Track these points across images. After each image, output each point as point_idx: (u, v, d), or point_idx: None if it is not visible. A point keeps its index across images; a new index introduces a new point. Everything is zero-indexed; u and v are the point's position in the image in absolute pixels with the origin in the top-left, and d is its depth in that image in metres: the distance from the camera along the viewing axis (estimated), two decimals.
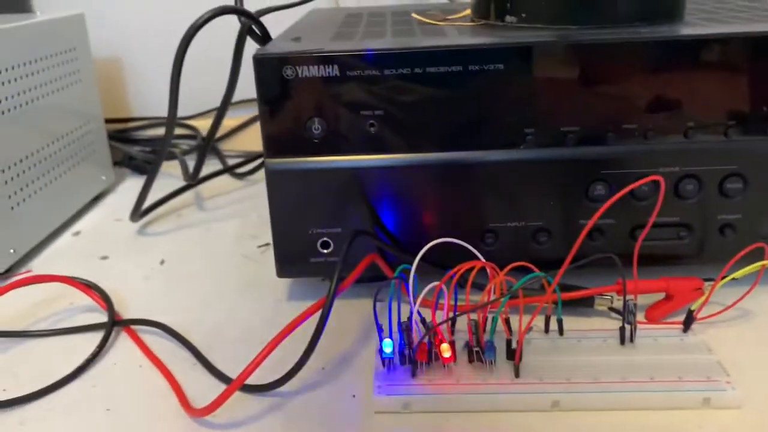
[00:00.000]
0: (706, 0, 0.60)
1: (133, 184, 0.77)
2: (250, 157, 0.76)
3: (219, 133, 0.82)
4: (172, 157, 0.79)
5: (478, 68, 0.42)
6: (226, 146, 0.84)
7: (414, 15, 0.56)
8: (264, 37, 0.55)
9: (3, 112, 0.55)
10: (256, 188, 0.74)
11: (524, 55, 0.42)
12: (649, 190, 0.44)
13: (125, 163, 0.79)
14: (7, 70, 0.56)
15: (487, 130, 0.44)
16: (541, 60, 0.42)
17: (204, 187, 0.74)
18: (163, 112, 0.85)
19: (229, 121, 0.84)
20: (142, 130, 0.84)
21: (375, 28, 0.52)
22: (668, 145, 0.44)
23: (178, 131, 0.84)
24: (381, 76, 0.43)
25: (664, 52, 0.42)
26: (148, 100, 0.85)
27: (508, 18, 0.49)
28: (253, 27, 0.54)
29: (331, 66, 0.42)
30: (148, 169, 0.79)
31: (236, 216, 0.66)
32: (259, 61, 0.42)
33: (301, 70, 0.43)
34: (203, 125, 0.83)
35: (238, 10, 0.51)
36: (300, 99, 0.43)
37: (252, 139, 0.84)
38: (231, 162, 0.81)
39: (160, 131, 0.84)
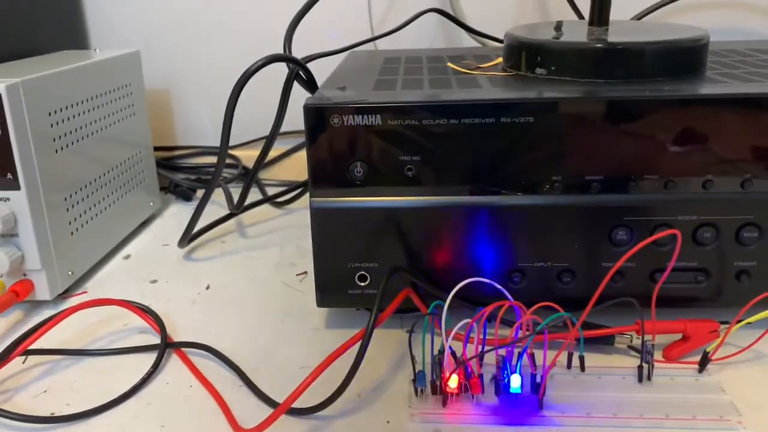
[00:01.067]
0: (730, 52, 0.63)
1: (177, 210, 0.81)
2: (288, 187, 0.80)
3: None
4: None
5: (509, 120, 0.46)
6: (264, 175, 0.88)
7: (449, 64, 0.60)
8: (309, 81, 0.59)
9: (68, 145, 0.60)
10: (294, 217, 0.78)
11: (552, 110, 0.46)
12: (669, 238, 0.47)
13: (170, 189, 0.84)
14: (74, 105, 0.61)
15: (517, 177, 0.47)
16: (568, 114, 0.46)
17: (245, 215, 0.78)
18: (206, 141, 0.91)
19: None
20: (186, 158, 0.89)
21: (413, 75, 0.56)
22: (688, 195, 0.47)
23: None
24: (419, 126, 0.46)
25: (684, 110, 0.45)
26: (192, 130, 0.90)
27: (539, 70, 0.53)
28: (300, 72, 0.58)
29: (373, 116, 0.46)
30: (192, 196, 0.83)
31: (276, 244, 0.70)
32: (309, 110, 0.46)
33: (346, 119, 0.46)
34: (244, 155, 0.88)
35: (287, 58, 0.55)
36: (344, 144, 0.47)
37: (288, 169, 0.89)
38: (269, 189, 0.85)
39: (204, 159, 0.89)
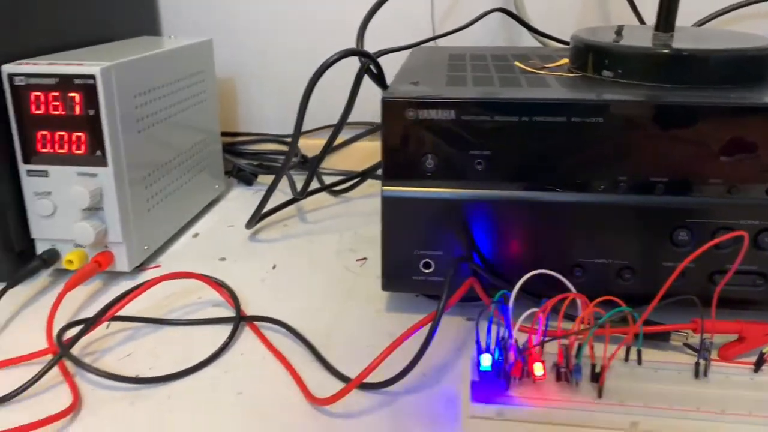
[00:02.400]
0: None
1: (239, 194, 0.84)
2: (346, 177, 0.83)
3: (315, 152, 0.89)
4: (273, 171, 0.87)
5: (579, 120, 0.48)
6: (321, 164, 0.91)
7: (516, 63, 0.62)
8: (379, 75, 0.61)
9: (148, 127, 0.63)
10: (351, 205, 0.81)
11: (621, 111, 0.47)
12: (730, 241, 0.48)
13: (233, 173, 0.87)
14: (154, 89, 0.64)
15: (584, 175, 0.49)
16: (636, 116, 0.47)
17: (305, 202, 0.81)
18: (268, 129, 0.94)
19: (324, 141, 0.91)
20: (248, 145, 0.92)
21: (481, 73, 0.58)
22: (750, 200, 0.48)
23: (281, 148, 0.92)
24: (491, 121, 0.48)
25: (751, 117, 0.46)
26: (255, 117, 0.93)
27: (605, 72, 0.55)
28: (371, 66, 0.60)
29: (448, 110, 0.49)
30: (253, 181, 0.87)
31: (335, 230, 0.73)
32: (386, 103, 0.49)
33: (421, 113, 0.49)
34: (302, 143, 0.91)
35: (361, 53, 0.58)
36: (418, 137, 0.49)
37: (344, 159, 0.92)
38: (326, 177, 0.88)
39: (265, 146, 0.92)
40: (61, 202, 0.58)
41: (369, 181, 0.84)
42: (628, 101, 0.47)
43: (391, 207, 0.51)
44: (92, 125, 0.56)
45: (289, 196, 0.76)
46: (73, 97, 0.55)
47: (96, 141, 0.56)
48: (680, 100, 0.47)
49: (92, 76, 0.55)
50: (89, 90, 0.55)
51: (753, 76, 0.53)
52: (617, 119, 0.47)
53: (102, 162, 0.57)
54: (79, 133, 0.56)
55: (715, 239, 0.44)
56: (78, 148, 0.57)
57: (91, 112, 0.56)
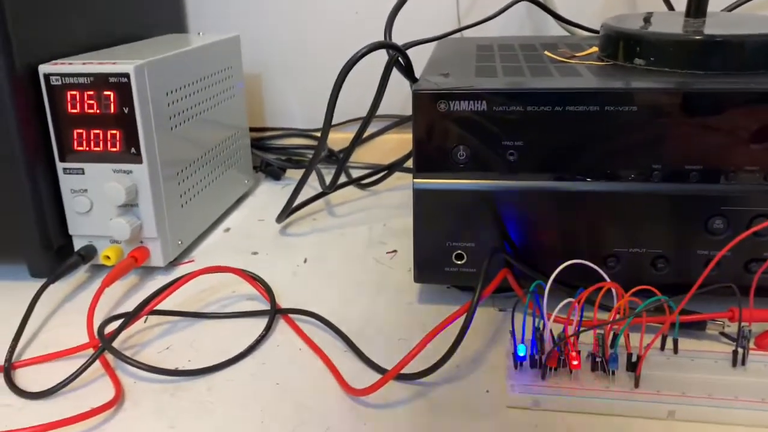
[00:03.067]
0: None
1: (267, 188, 0.85)
2: (373, 170, 0.83)
3: (341, 145, 0.90)
4: (302, 166, 0.88)
5: (613, 109, 0.47)
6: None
7: (546, 53, 0.61)
8: (407, 67, 0.62)
9: (181, 124, 0.64)
10: (378, 198, 0.81)
11: (655, 100, 0.47)
12: (766, 230, 0.47)
13: (261, 168, 0.88)
14: (186, 86, 0.65)
15: (617, 164, 0.49)
16: (670, 104, 0.47)
17: (333, 195, 0.81)
18: (294, 123, 0.95)
19: (352, 135, 0.91)
20: (275, 139, 0.93)
21: (510, 63, 0.58)
22: None
23: (307, 142, 0.92)
24: (523, 112, 0.48)
25: None
26: (281, 112, 0.94)
27: (637, 60, 0.54)
28: (399, 58, 0.60)
29: (479, 102, 0.49)
30: (281, 175, 0.87)
31: (364, 223, 0.73)
32: (417, 95, 0.49)
33: (453, 104, 0.49)
34: (330, 137, 0.91)
35: (390, 45, 0.58)
36: (449, 128, 0.50)
37: (370, 152, 0.92)
38: (352, 171, 0.88)
39: (292, 141, 0.93)
40: (97, 198, 0.59)
41: (396, 174, 0.84)
42: (661, 89, 0.47)
43: (422, 199, 0.52)
44: (126, 123, 0.57)
45: (317, 189, 0.76)
46: (108, 95, 0.56)
47: (130, 138, 0.57)
48: (713, 86, 0.47)
49: (126, 75, 0.56)
50: (123, 88, 0.56)
51: None
52: (650, 107, 0.47)
53: (137, 159, 0.58)
54: (114, 131, 0.57)
55: (752, 227, 0.43)
56: (113, 145, 0.58)
57: (126, 110, 0.57)
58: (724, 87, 0.47)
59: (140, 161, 0.58)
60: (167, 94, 0.61)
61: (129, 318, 0.50)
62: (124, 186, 0.57)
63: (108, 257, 0.59)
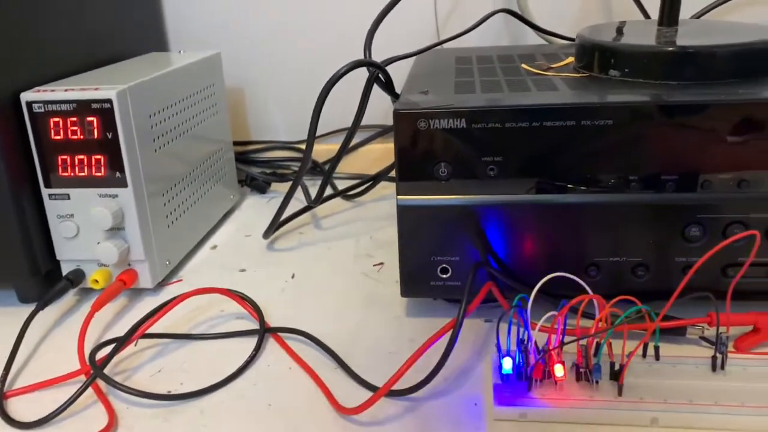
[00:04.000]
0: None
1: (253, 203, 0.86)
2: (359, 181, 0.84)
3: (326, 157, 0.90)
4: (287, 179, 0.89)
5: (589, 123, 0.48)
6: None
7: (523, 65, 0.63)
8: (387, 83, 0.62)
9: (165, 144, 0.64)
10: (364, 209, 0.82)
11: (630, 113, 0.48)
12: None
13: (247, 182, 0.89)
14: (169, 107, 0.65)
15: (595, 176, 0.50)
16: (645, 116, 0.48)
17: (319, 208, 0.82)
18: (278, 136, 0.95)
19: (335, 146, 0.92)
20: (260, 153, 0.94)
21: (489, 77, 0.59)
22: (760, 193, 0.49)
23: (292, 154, 0.93)
24: (502, 128, 0.49)
25: (758, 112, 0.47)
26: (265, 125, 0.94)
27: (612, 72, 0.55)
28: (380, 75, 0.61)
29: (458, 119, 0.49)
30: (266, 189, 0.88)
31: (351, 236, 0.74)
32: (398, 115, 0.50)
33: (433, 123, 0.50)
34: (314, 149, 0.92)
35: (370, 63, 0.59)
36: (430, 146, 0.50)
37: (355, 163, 0.93)
38: (337, 182, 0.89)
39: (277, 153, 0.94)
40: (83, 223, 0.59)
41: (382, 184, 0.85)
42: (635, 102, 0.48)
43: (407, 215, 0.52)
44: (110, 147, 0.57)
45: (303, 203, 0.77)
46: (92, 121, 0.57)
47: (115, 162, 0.58)
48: (686, 98, 0.48)
49: (109, 100, 0.56)
50: (106, 113, 0.56)
51: (760, 70, 0.53)
52: (625, 120, 0.48)
53: (122, 183, 0.58)
54: (99, 156, 0.58)
55: (727, 238, 0.45)
56: (98, 170, 0.58)
57: (109, 135, 0.57)
58: (696, 98, 0.48)
59: (125, 185, 0.58)
60: (150, 116, 0.62)
61: (120, 344, 0.50)
62: (111, 210, 0.58)
63: (96, 281, 0.60)
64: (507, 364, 0.45)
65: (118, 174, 0.58)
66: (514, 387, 0.45)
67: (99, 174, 0.58)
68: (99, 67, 0.70)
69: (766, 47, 0.53)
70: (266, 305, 0.60)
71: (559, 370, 0.44)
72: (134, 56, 0.78)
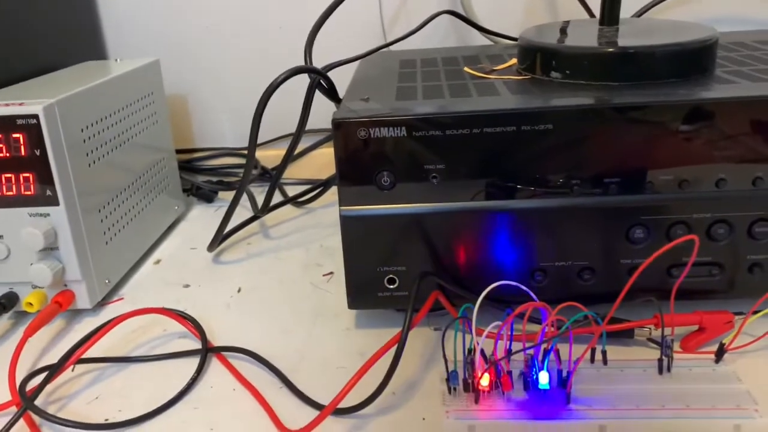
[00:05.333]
0: (739, 45, 0.65)
1: (200, 213, 0.84)
2: (309, 187, 0.83)
3: (274, 162, 0.89)
4: (234, 187, 0.86)
5: (529, 128, 0.48)
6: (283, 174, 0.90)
7: (466, 69, 0.62)
8: (330, 89, 0.61)
9: (100, 158, 0.62)
10: (315, 216, 0.80)
11: (570, 117, 0.48)
12: (684, 235, 0.49)
13: (192, 191, 0.86)
14: (103, 119, 0.63)
15: (537, 181, 0.49)
16: (585, 120, 0.48)
17: (267, 216, 0.80)
18: (224, 142, 0.93)
19: (283, 151, 0.90)
20: (205, 160, 0.91)
21: (431, 82, 0.58)
22: (701, 194, 0.49)
23: (239, 161, 0.91)
24: (443, 136, 0.48)
25: (697, 112, 0.47)
26: (210, 132, 0.92)
27: (553, 74, 0.55)
28: (321, 81, 0.60)
29: (398, 128, 0.48)
30: (213, 198, 0.86)
31: (300, 244, 0.72)
32: (337, 124, 0.48)
33: (373, 132, 0.49)
34: (262, 155, 0.90)
35: (310, 69, 0.57)
36: (371, 155, 0.49)
37: (305, 168, 0.91)
38: (287, 188, 0.87)
39: (223, 161, 0.91)
40: (14, 244, 0.57)
41: (333, 189, 0.84)
42: (574, 107, 0.48)
43: (350, 226, 0.51)
44: (40, 164, 0.55)
45: (251, 212, 0.75)
46: (18, 138, 0.54)
47: (45, 180, 0.55)
48: (625, 100, 0.48)
49: (35, 116, 0.53)
50: (33, 130, 0.54)
51: (698, 68, 0.54)
52: (565, 124, 0.48)
53: (53, 201, 0.56)
54: (27, 174, 0.55)
55: (671, 238, 0.45)
56: (27, 189, 0.55)
57: (37, 152, 0.54)
58: (635, 101, 0.48)
59: (57, 203, 0.56)
60: (83, 130, 0.59)
61: (52, 372, 0.48)
62: (42, 230, 0.55)
63: (31, 304, 0.57)
64: (455, 377, 0.44)
65: (48, 192, 0.55)
66: (463, 399, 0.44)
67: (28, 192, 0.55)
68: (32, 77, 0.67)
69: (703, 46, 0.53)
70: (211, 323, 0.58)
71: (484, 380, 0.43)
72: (70, 66, 0.75)
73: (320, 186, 0.82)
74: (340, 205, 0.51)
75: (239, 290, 0.64)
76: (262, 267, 0.68)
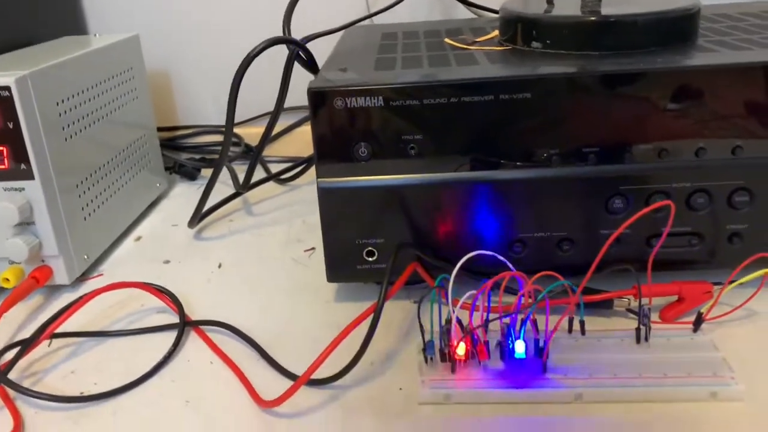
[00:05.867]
0: (722, 17, 0.64)
1: (183, 190, 0.83)
2: (291, 164, 0.82)
3: (257, 140, 0.88)
4: (214, 165, 0.85)
5: (507, 97, 0.47)
6: (266, 152, 0.90)
7: (446, 40, 0.61)
8: (309, 61, 0.60)
9: (77, 132, 0.61)
10: (298, 193, 0.80)
11: (548, 85, 0.47)
12: (663, 207, 0.48)
13: (175, 169, 0.85)
14: (80, 93, 0.62)
15: (516, 151, 0.49)
16: (563, 88, 0.47)
17: (250, 193, 0.79)
18: (207, 120, 0.92)
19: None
20: (188, 138, 0.90)
21: (411, 53, 0.57)
22: (681, 163, 0.48)
23: (221, 138, 0.90)
24: (420, 105, 0.48)
25: (677, 81, 0.47)
26: (193, 109, 0.91)
27: (534, 44, 0.54)
28: (300, 52, 0.59)
29: (375, 97, 0.48)
30: (196, 175, 0.85)
31: (282, 221, 0.72)
32: (313, 93, 0.48)
33: (349, 101, 0.48)
34: (245, 132, 0.89)
35: (288, 40, 0.56)
36: (348, 125, 0.49)
37: (289, 145, 0.90)
38: (271, 166, 0.86)
39: (206, 138, 0.90)
40: None
41: None
42: (551, 75, 0.47)
43: (328, 198, 0.51)
44: (13, 138, 0.54)
45: (232, 189, 0.75)
46: None
47: (19, 154, 0.54)
48: (604, 68, 0.47)
49: (7, 88, 0.52)
50: (5, 102, 0.53)
51: (679, 38, 0.53)
52: (543, 93, 0.47)
53: (28, 175, 0.55)
54: (0, 148, 0.54)
55: (646, 209, 0.44)
56: (1, 162, 0.54)
57: (10, 125, 0.53)
58: (614, 69, 0.47)
59: (32, 177, 0.55)
60: (58, 104, 0.58)
61: (25, 347, 0.47)
62: (17, 205, 0.54)
63: (7, 279, 0.56)
64: (431, 346, 0.44)
65: (23, 165, 0.55)
66: (439, 369, 0.44)
67: (2, 166, 0.55)
68: (7, 52, 0.66)
69: (684, 14, 0.53)
70: (190, 298, 0.57)
71: (461, 349, 0.43)
72: (48, 41, 0.74)
73: (303, 163, 0.81)
74: (318, 176, 0.50)
75: (220, 266, 0.63)
76: (243, 243, 0.68)
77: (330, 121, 0.49)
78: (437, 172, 0.49)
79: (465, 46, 0.58)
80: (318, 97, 0.48)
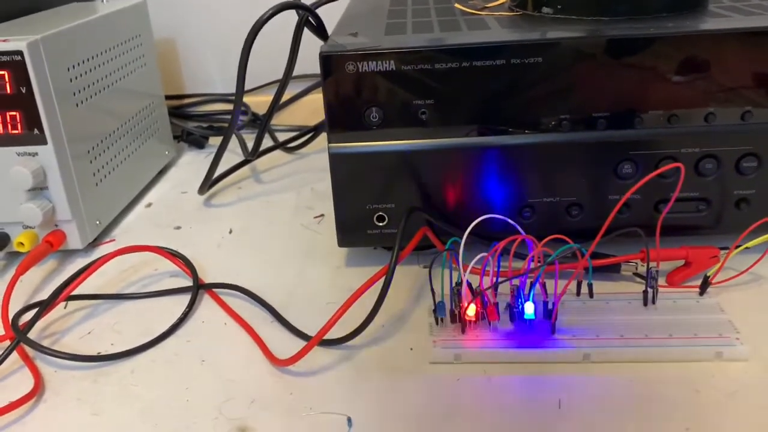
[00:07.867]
0: None
1: (191, 158, 0.83)
2: (299, 133, 0.82)
3: (265, 109, 0.88)
4: (223, 133, 0.86)
5: (519, 61, 0.47)
6: (274, 120, 0.90)
7: (456, 5, 0.61)
8: (319, 27, 0.60)
9: (87, 99, 0.61)
10: (306, 161, 0.80)
11: (559, 50, 0.47)
12: (672, 170, 0.49)
13: (183, 137, 0.86)
14: (90, 59, 0.62)
15: (526, 116, 0.49)
16: (574, 53, 0.47)
17: (259, 161, 0.80)
18: (214, 88, 0.92)
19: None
20: (196, 106, 0.90)
21: (422, 18, 0.57)
22: (690, 128, 0.49)
23: (230, 107, 0.90)
24: (432, 70, 0.48)
25: (687, 46, 0.47)
26: (201, 78, 0.91)
27: (545, 9, 0.54)
28: (310, 18, 0.59)
29: (387, 61, 0.48)
30: (204, 143, 0.85)
31: (291, 188, 0.72)
32: (324, 57, 0.48)
33: (361, 66, 0.48)
34: (253, 101, 0.89)
35: (297, 5, 0.56)
36: (359, 90, 0.49)
37: (297, 113, 0.90)
38: (278, 135, 0.87)
39: (214, 107, 0.91)
40: (3, 184, 0.56)
41: (324, 135, 0.83)
42: (563, 39, 0.47)
43: (339, 163, 0.51)
44: (26, 103, 0.54)
45: (241, 157, 0.75)
46: (2, 75, 0.53)
47: (32, 119, 0.55)
48: (615, 33, 0.47)
49: (19, 52, 0.53)
50: (18, 66, 0.53)
51: (690, 3, 0.53)
52: (555, 58, 0.47)
53: (41, 140, 0.55)
54: (14, 112, 0.54)
55: (655, 171, 0.44)
56: (14, 127, 0.55)
57: (23, 90, 0.54)
58: (625, 34, 0.47)
59: (45, 142, 0.55)
60: (69, 69, 0.58)
61: (43, 307, 0.48)
62: (30, 169, 0.55)
63: (22, 243, 0.57)
64: (442, 308, 0.45)
65: (36, 131, 0.55)
66: (449, 330, 0.45)
67: (15, 131, 0.55)
68: (14, 18, 0.66)
69: None
70: (202, 262, 0.58)
71: (471, 310, 0.44)
72: (55, 7, 0.73)
73: (311, 131, 0.82)
74: (329, 142, 0.51)
75: (230, 231, 0.64)
76: (253, 210, 0.68)
77: (341, 85, 0.49)
78: (448, 137, 0.50)
79: (475, 12, 0.58)
80: (330, 62, 0.48)
